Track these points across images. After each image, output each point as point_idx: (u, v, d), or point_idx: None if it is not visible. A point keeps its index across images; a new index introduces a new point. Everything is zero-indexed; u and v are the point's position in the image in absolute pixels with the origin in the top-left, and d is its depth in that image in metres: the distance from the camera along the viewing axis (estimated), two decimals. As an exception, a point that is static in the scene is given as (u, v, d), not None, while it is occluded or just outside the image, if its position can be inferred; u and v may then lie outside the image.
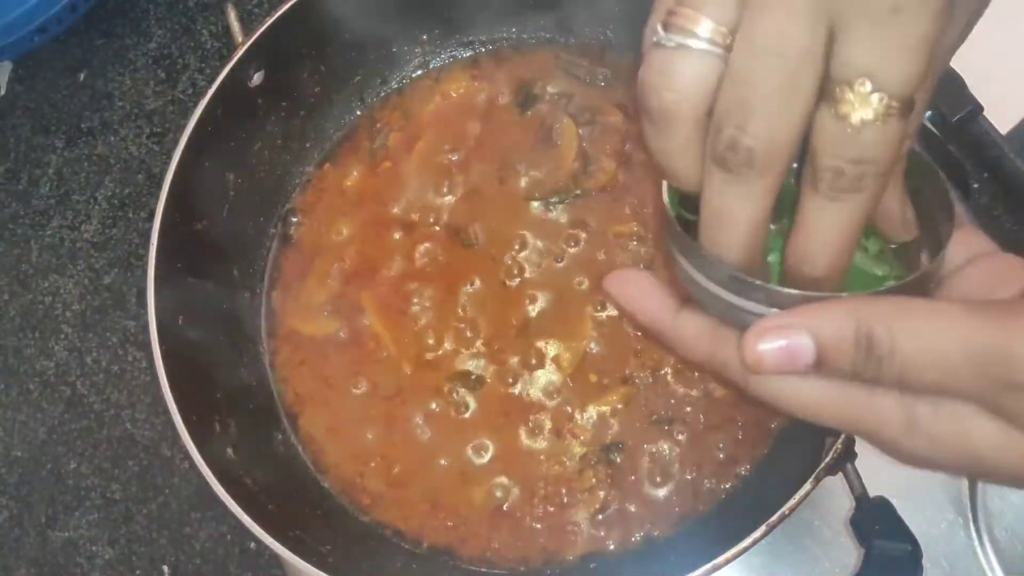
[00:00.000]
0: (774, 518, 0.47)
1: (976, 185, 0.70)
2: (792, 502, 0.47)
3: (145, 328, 0.54)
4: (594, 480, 0.57)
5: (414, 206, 0.65)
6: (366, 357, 0.62)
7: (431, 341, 0.61)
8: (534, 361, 0.60)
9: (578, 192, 0.64)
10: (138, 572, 0.69)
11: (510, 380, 0.60)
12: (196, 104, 0.58)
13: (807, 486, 0.47)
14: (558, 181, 0.65)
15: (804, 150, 0.30)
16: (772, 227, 0.33)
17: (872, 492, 0.50)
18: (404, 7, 0.67)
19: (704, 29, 0.28)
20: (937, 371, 0.27)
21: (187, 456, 0.52)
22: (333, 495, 0.60)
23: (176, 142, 0.57)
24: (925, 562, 0.48)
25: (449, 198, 0.65)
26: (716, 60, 0.28)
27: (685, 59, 0.28)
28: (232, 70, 0.59)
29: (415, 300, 0.63)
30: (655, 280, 0.35)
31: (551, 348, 0.60)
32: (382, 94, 0.71)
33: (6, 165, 0.82)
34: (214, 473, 0.51)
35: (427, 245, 0.64)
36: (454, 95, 0.69)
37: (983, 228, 0.67)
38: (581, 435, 0.58)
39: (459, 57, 0.71)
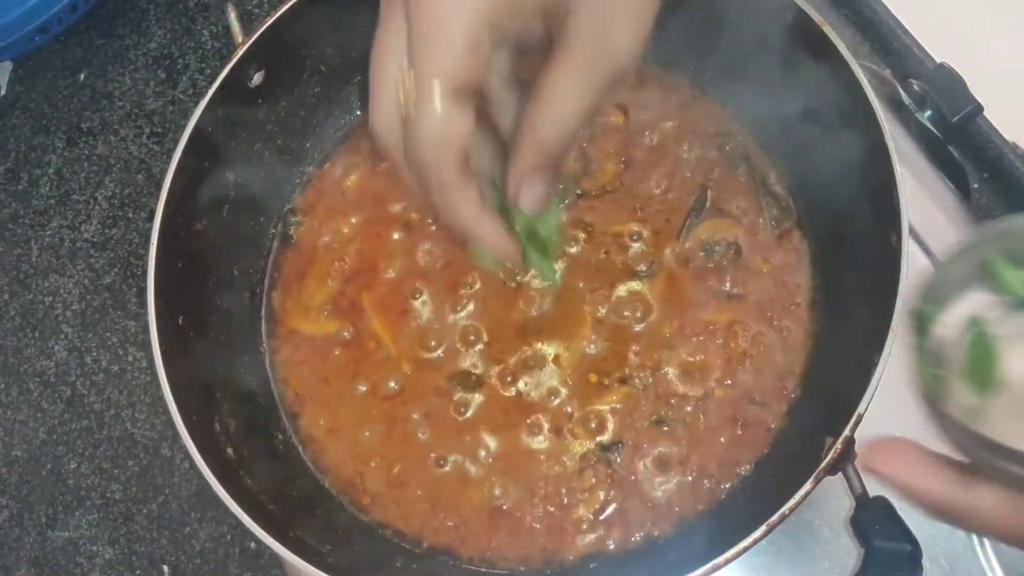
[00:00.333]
0: (774, 518, 0.47)
1: (976, 185, 0.70)
2: (792, 502, 0.47)
3: (145, 328, 0.55)
4: (594, 480, 0.57)
5: (414, 206, 0.65)
6: (366, 357, 0.62)
7: (431, 341, 0.61)
8: (534, 361, 0.60)
9: (578, 192, 0.64)
10: (138, 572, 0.69)
11: (510, 380, 0.60)
12: (196, 104, 0.58)
13: (807, 486, 0.47)
14: (558, 181, 0.64)
15: None
16: None
17: (872, 492, 0.50)
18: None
19: None
20: None
21: (187, 456, 0.52)
22: (333, 495, 0.60)
23: (176, 142, 0.57)
24: (925, 562, 0.48)
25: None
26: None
27: None
28: (232, 70, 0.59)
29: (415, 300, 0.63)
30: (920, 448, 0.35)
31: (551, 348, 0.60)
32: (382, 94, 0.71)
33: (6, 165, 0.82)
34: (214, 473, 0.51)
35: (427, 245, 0.64)
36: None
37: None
38: (581, 435, 0.58)
39: (459, 57, 0.71)
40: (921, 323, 0.34)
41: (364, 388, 0.61)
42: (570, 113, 0.36)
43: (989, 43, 0.70)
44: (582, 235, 0.63)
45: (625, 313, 0.61)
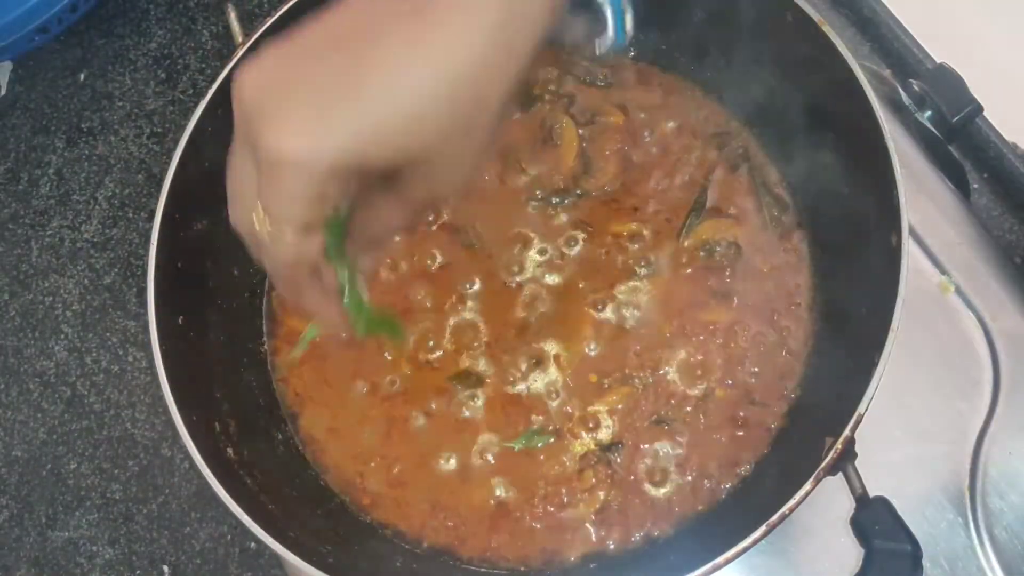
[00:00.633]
0: (774, 518, 0.47)
1: (976, 185, 0.70)
2: (792, 502, 0.47)
3: (145, 328, 0.54)
4: (594, 480, 0.57)
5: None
6: (366, 357, 0.62)
7: (431, 341, 0.61)
8: (534, 361, 0.60)
9: (578, 192, 0.64)
10: (138, 572, 0.69)
11: (510, 380, 0.60)
12: (196, 104, 0.58)
13: (807, 486, 0.47)
14: (558, 181, 0.65)
15: None
16: None
17: (872, 492, 0.50)
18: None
19: None
20: None
21: (187, 456, 0.52)
22: (333, 495, 0.60)
23: (176, 142, 0.57)
24: (925, 562, 0.48)
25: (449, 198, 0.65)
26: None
27: None
28: (232, 70, 0.59)
29: (415, 300, 0.63)
30: None
31: (551, 348, 0.60)
32: (382, 94, 0.71)
33: (6, 165, 0.82)
34: (214, 473, 0.51)
35: (427, 245, 0.64)
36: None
37: (983, 228, 0.68)
38: (581, 435, 0.58)
39: (459, 57, 0.71)
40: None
41: (364, 388, 0.61)
42: (390, 230, 0.43)
43: (989, 43, 0.70)
44: (582, 235, 0.63)
45: (625, 313, 0.61)
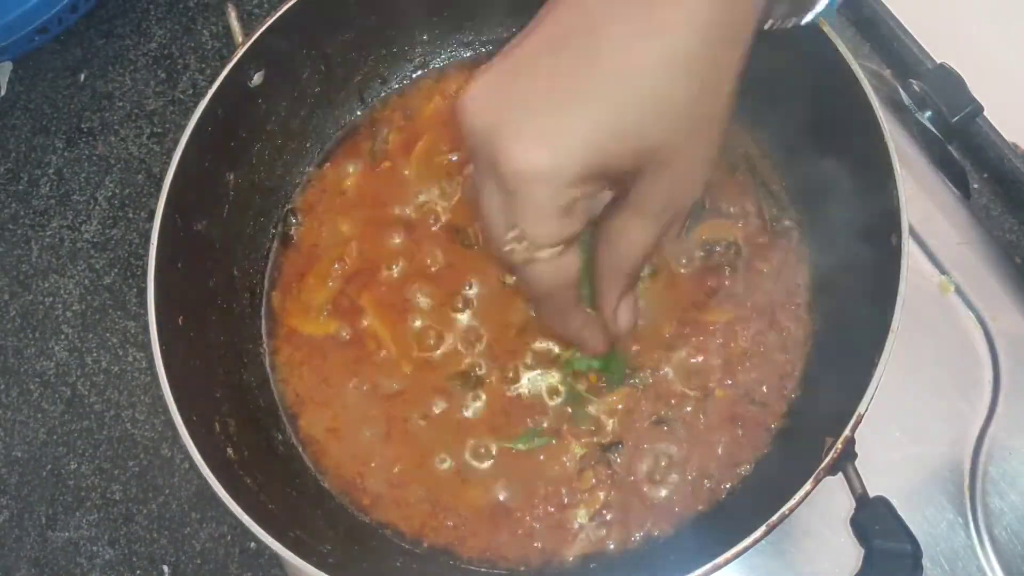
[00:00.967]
0: (774, 518, 0.47)
1: (976, 185, 0.70)
2: (792, 502, 0.47)
3: (145, 328, 0.54)
4: (594, 480, 0.57)
5: (414, 206, 0.65)
6: (366, 357, 0.62)
7: (431, 341, 0.61)
8: (534, 361, 0.60)
9: (578, 192, 0.64)
10: (138, 572, 0.69)
11: (510, 380, 0.60)
12: (196, 104, 0.58)
13: (807, 486, 0.47)
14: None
15: None
16: None
17: (872, 492, 0.50)
18: (404, 7, 0.67)
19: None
20: None
21: (187, 456, 0.52)
22: (333, 495, 0.60)
23: (176, 142, 0.57)
24: (925, 562, 0.48)
25: (449, 198, 0.65)
26: None
27: None
28: (232, 70, 0.59)
29: (415, 300, 0.63)
30: None
31: (551, 348, 0.60)
32: (382, 94, 0.71)
33: (6, 165, 0.82)
34: (214, 473, 0.51)
35: (427, 246, 0.64)
36: (454, 95, 0.69)
37: (983, 228, 0.68)
38: (581, 435, 0.58)
39: (459, 57, 0.71)
40: None
41: (364, 388, 0.61)
42: (637, 253, 0.41)
43: (989, 43, 0.70)
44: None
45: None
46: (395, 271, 0.64)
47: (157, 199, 0.56)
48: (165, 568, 0.68)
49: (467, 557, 0.58)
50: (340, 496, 0.60)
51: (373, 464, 0.60)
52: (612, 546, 0.56)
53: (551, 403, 0.59)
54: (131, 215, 0.79)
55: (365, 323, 0.63)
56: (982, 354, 0.63)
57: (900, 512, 0.49)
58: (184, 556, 0.68)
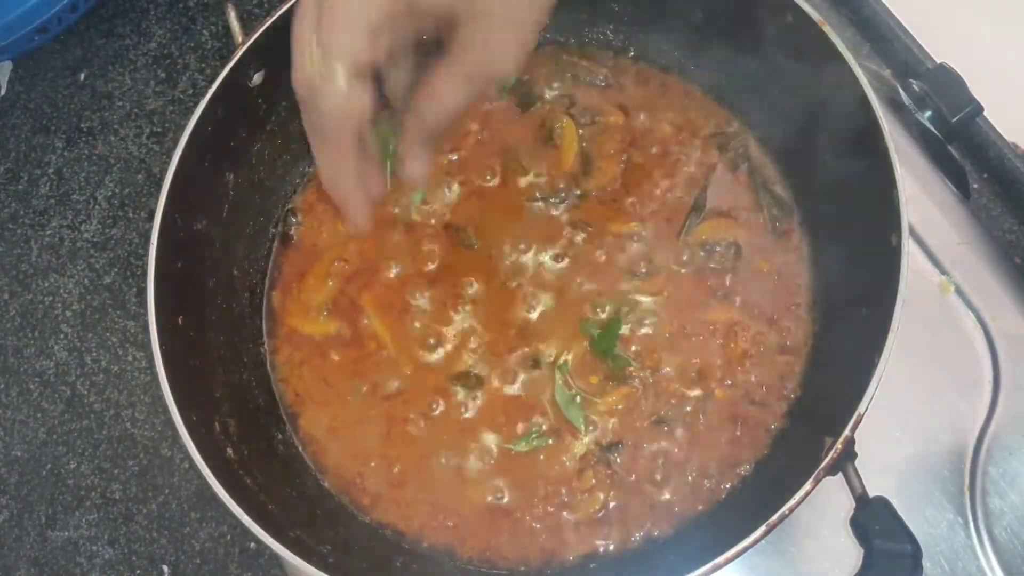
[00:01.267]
0: (774, 518, 0.47)
1: (976, 185, 0.70)
2: (792, 502, 0.47)
3: (145, 328, 0.54)
4: (594, 480, 0.57)
5: (414, 206, 0.65)
6: (366, 357, 0.62)
7: (431, 341, 0.61)
8: (534, 361, 0.60)
9: (578, 192, 0.64)
10: (138, 572, 0.69)
11: (510, 380, 0.60)
12: (196, 104, 0.58)
13: (807, 486, 0.47)
14: (558, 181, 0.65)
15: None
16: None
17: (872, 492, 0.50)
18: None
19: None
20: None
21: (187, 456, 0.52)
22: (333, 495, 0.60)
23: (176, 142, 0.57)
24: (925, 562, 0.48)
25: (449, 198, 0.65)
26: None
27: None
28: (232, 70, 0.59)
29: (415, 300, 0.63)
30: None
31: (551, 348, 0.60)
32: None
33: (6, 165, 0.82)
34: (214, 473, 0.51)
35: (427, 246, 0.64)
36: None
37: (983, 228, 0.68)
38: (581, 435, 0.58)
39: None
40: None
41: (364, 388, 0.61)
42: (449, 106, 0.42)
43: (989, 43, 0.70)
44: (582, 235, 0.63)
45: (625, 313, 0.61)
46: (395, 271, 0.64)
47: (157, 199, 0.56)
48: (165, 568, 0.68)
49: (467, 557, 0.58)
50: (340, 496, 0.60)
51: (373, 464, 0.60)
52: (612, 546, 0.56)
53: (551, 403, 0.59)
54: (131, 215, 0.79)
55: (365, 323, 0.63)
56: (982, 354, 0.63)
57: (900, 512, 0.49)
58: (184, 556, 0.68)
